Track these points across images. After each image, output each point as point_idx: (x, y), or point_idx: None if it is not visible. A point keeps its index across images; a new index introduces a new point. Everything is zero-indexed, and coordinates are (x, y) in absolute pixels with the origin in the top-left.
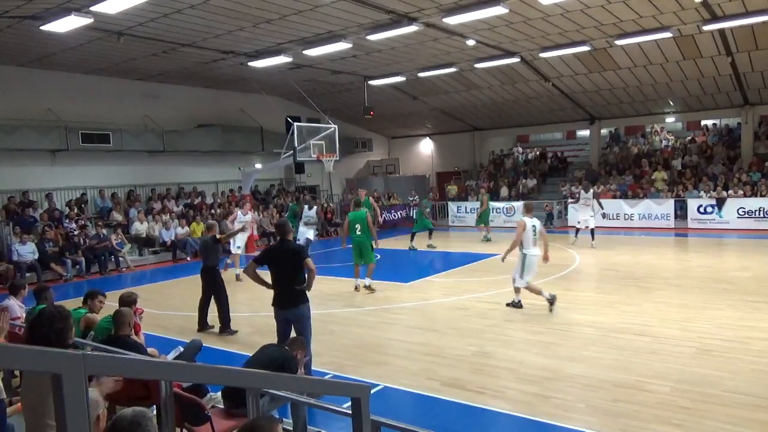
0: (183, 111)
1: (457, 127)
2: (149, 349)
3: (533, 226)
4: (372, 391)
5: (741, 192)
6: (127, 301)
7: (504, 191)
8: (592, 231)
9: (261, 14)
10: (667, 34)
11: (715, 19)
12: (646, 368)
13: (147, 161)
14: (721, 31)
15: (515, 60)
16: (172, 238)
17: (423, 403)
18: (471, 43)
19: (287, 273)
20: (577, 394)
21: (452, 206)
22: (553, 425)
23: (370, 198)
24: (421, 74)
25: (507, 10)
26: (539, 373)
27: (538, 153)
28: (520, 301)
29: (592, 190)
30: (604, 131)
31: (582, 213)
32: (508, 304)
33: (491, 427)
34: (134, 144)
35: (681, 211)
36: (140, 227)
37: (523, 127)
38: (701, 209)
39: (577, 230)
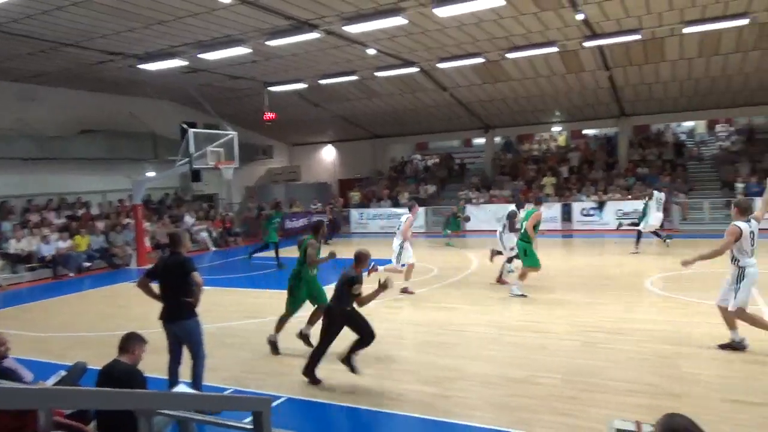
0: (65, 115)
1: (358, 134)
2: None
3: (751, 232)
4: (274, 404)
5: (618, 195)
6: None
7: (404, 197)
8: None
9: (153, 15)
10: (553, 49)
11: (594, 36)
12: (537, 363)
13: (21, 169)
14: (600, 48)
15: (415, 69)
16: (53, 253)
17: (326, 412)
18: (371, 52)
19: (173, 286)
20: (476, 391)
21: (354, 213)
22: (453, 423)
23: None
24: (323, 81)
25: (406, 21)
26: (440, 373)
27: (437, 160)
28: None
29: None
30: (497, 139)
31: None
32: (721, 346)
33: (394, 429)
34: (5, 151)
35: (567, 214)
36: (16, 245)
37: (423, 135)
38: (584, 212)
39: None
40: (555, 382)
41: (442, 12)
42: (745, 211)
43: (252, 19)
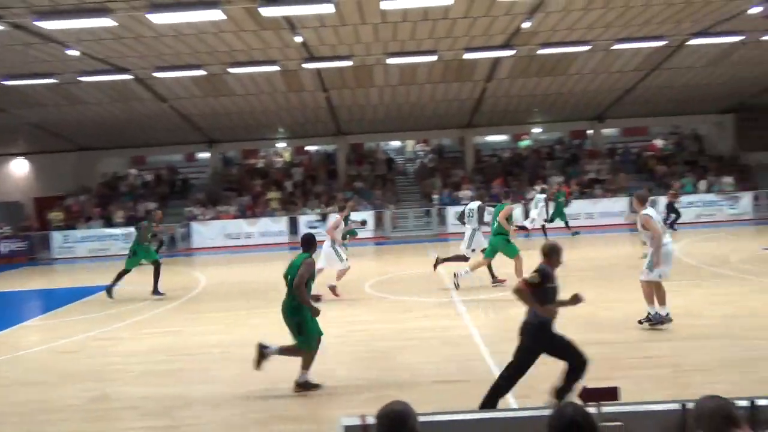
0: None
1: (60, 145)
2: None
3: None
4: None
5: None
6: None
7: (119, 216)
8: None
9: None
10: (275, 68)
11: (312, 58)
12: (269, 377)
13: None
14: (318, 70)
15: (128, 77)
16: None
17: None
18: (74, 53)
19: None
20: (207, 416)
21: (58, 236)
22: None
23: None
24: (9, 82)
25: (116, 24)
26: (167, 403)
27: (155, 175)
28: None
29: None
30: (222, 154)
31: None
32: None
33: None
34: None
35: (293, 227)
36: None
37: (140, 148)
38: (310, 224)
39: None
40: (289, 392)
41: (157, 19)
42: (644, 201)
43: None
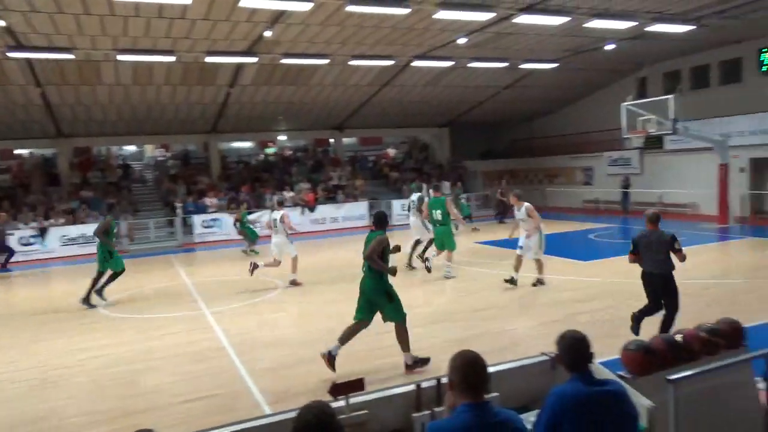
0: None
1: None
2: None
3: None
4: None
5: (62, 220)
6: None
7: None
8: None
9: None
10: None
11: (21, 47)
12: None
13: None
14: (29, 62)
15: None
16: None
17: None
18: None
19: None
20: None
21: None
22: None
23: None
24: None
25: None
26: None
27: None
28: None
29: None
30: None
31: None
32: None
33: None
34: None
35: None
36: None
37: None
38: (23, 240)
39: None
40: None
41: None
42: (520, 197)
43: None
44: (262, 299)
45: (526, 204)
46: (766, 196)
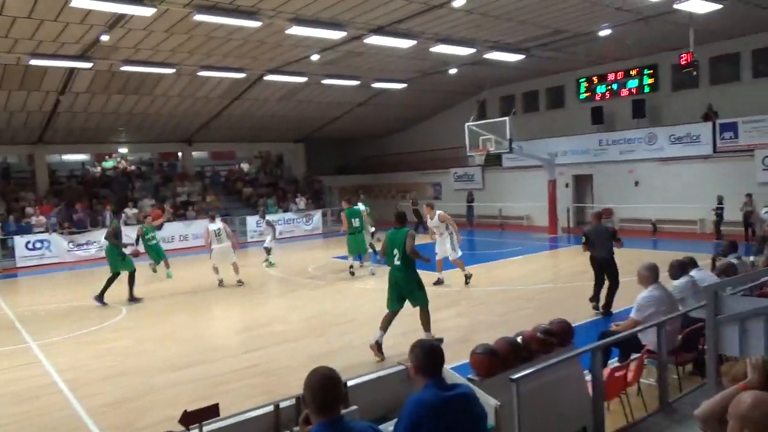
0: None
1: None
2: None
3: None
4: None
5: None
6: None
7: None
8: None
9: None
10: None
11: None
12: None
13: None
14: None
15: None
16: None
17: None
18: None
19: None
20: None
21: None
22: None
23: None
24: None
25: None
26: None
27: None
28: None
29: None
30: None
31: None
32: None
33: None
34: None
35: None
36: None
37: None
38: None
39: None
40: None
41: None
42: (433, 207)
43: None
44: (101, 326)
45: (439, 212)
46: (587, 208)
